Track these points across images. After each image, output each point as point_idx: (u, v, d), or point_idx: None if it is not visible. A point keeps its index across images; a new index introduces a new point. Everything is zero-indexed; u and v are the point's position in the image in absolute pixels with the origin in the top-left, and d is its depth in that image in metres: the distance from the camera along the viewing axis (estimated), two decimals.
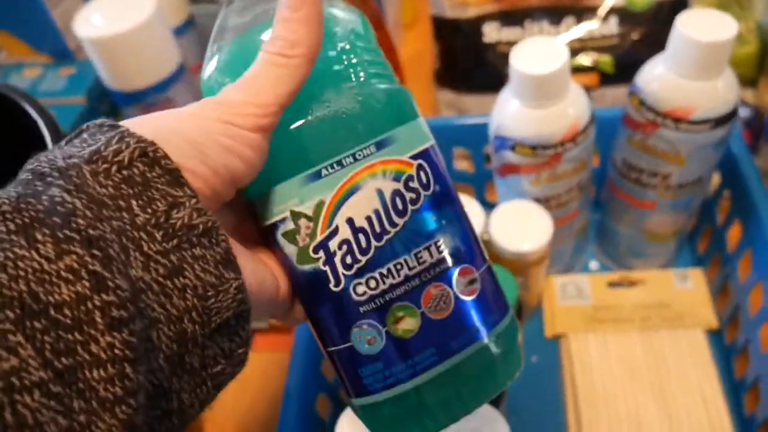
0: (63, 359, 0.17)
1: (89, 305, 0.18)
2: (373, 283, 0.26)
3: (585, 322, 0.55)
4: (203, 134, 0.22)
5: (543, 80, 0.43)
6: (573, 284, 0.57)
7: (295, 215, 0.26)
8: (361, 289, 0.26)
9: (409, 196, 0.26)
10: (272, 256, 0.27)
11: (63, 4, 0.68)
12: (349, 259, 0.26)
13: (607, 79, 0.62)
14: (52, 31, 0.67)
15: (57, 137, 0.36)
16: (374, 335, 0.26)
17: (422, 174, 0.27)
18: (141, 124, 0.21)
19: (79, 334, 0.17)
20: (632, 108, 0.47)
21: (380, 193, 0.26)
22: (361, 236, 0.26)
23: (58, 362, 0.17)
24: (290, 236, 0.26)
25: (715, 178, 0.55)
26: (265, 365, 0.58)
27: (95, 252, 0.18)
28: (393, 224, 0.26)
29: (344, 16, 0.28)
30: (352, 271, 0.26)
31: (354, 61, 0.27)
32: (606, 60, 0.62)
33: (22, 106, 0.38)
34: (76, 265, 0.18)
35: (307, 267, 0.26)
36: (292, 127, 0.26)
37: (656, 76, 0.45)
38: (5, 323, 0.16)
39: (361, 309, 0.26)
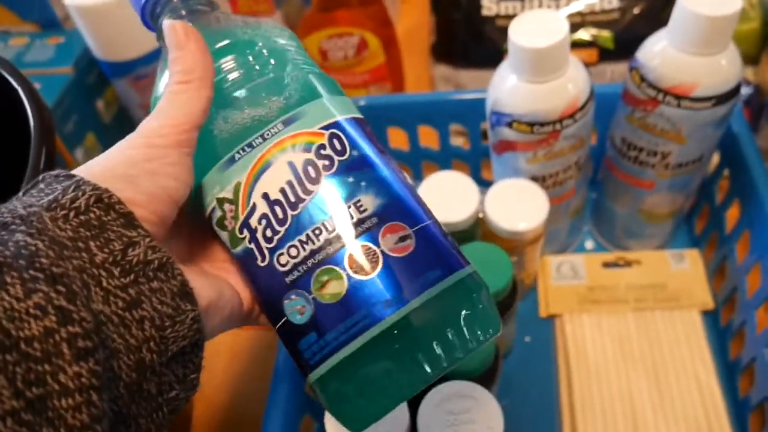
0: (33, 389, 0.18)
1: (56, 338, 0.19)
2: (294, 252, 0.26)
3: (579, 302, 0.54)
4: (130, 166, 0.24)
5: (542, 54, 0.42)
6: (568, 264, 0.57)
7: (219, 201, 0.27)
8: (283, 259, 0.26)
9: (321, 163, 0.27)
10: (233, 270, 0.29)
11: None
12: (269, 232, 0.26)
13: (606, 54, 0.61)
14: (39, 0, 0.65)
15: (38, 107, 0.35)
16: (303, 304, 0.26)
17: (336, 141, 0.27)
18: (80, 173, 0.23)
19: (48, 365, 0.19)
20: (633, 84, 0.46)
21: (291, 164, 0.27)
22: (278, 208, 0.26)
23: (29, 392, 0.18)
24: (220, 223, 0.28)
25: (715, 157, 0.54)
26: (254, 343, 0.57)
27: (59, 288, 0.20)
28: (307, 192, 0.26)
29: (250, 30, 0.30)
30: (273, 243, 0.26)
31: (260, 60, 0.29)
32: (606, 35, 0.60)
33: (3, 75, 0.36)
34: (42, 302, 0.19)
35: (238, 249, 0.27)
36: (206, 127, 0.27)
37: (658, 52, 0.44)
38: None
39: (287, 279, 0.26)
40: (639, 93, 0.46)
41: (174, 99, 0.26)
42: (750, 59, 0.63)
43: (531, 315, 0.55)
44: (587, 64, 0.61)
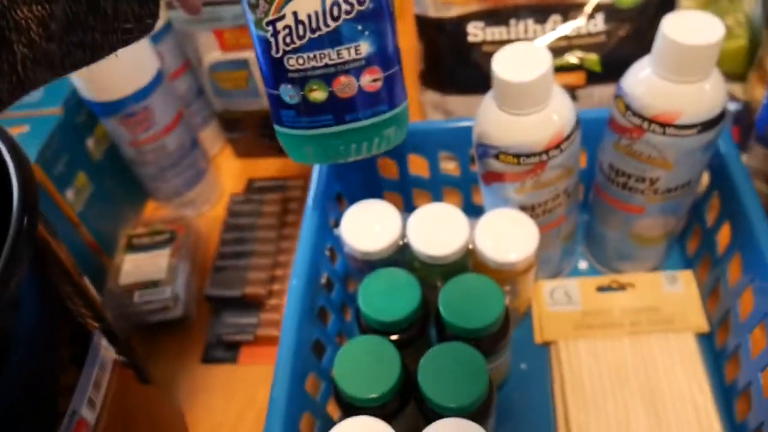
0: None
1: None
2: (301, 61, 0.38)
3: (574, 328, 0.54)
4: None
5: (525, 87, 0.42)
6: (562, 289, 0.57)
7: None
8: (292, 61, 0.38)
9: (344, 7, 0.36)
10: None
11: None
12: (288, 39, 0.37)
13: (594, 77, 0.61)
14: None
15: (20, 162, 0.35)
16: (294, 93, 0.39)
17: None
18: None
19: None
20: (618, 112, 0.46)
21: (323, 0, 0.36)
22: (300, 26, 0.37)
23: None
24: (252, 7, 0.37)
25: (705, 178, 0.54)
26: (251, 378, 0.57)
27: None
28: (326, 25, 0.37)
29: None
30: (289, 48, 0.38)
31: None
32: (593, 58, 0.60)
33: None
34: None
35: (260, 33, 0.38)
36: None
37: (641, 80, 0.44)
38: None
39: (289, 75, 0.39)
40: (624, 121, 0.46)
41: None
42: (738, 77, 0.63)
43: (526, 342, 0.55)
44: (575, 88, 0.61)
